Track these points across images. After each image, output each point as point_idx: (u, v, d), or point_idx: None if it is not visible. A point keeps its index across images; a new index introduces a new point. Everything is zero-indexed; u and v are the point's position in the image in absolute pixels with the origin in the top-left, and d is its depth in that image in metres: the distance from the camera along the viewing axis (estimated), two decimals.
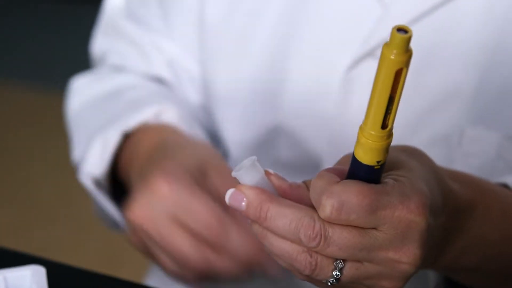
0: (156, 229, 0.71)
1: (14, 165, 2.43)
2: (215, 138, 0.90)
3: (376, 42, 0.78)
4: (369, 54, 0.78)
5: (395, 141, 0.79)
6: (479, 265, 0.65)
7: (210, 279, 0.73)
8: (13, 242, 2.04)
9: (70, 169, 1.08)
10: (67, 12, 3.18)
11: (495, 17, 0.76)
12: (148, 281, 1.05)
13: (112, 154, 0.83)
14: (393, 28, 0.51)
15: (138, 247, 0.75)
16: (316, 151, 0.82)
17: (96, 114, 0.88)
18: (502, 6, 0.76)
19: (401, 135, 0.79)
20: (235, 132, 0.86)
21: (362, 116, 0.79)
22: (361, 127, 0.54)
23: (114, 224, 0.87)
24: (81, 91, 0.93)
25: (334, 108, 0.80)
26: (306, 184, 0.58)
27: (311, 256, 0.55)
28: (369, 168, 0.54)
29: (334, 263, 0.55)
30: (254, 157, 0.56)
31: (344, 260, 0.55)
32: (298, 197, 0.57)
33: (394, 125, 0.78)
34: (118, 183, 0.86)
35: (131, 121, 0.82)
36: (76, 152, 0.88)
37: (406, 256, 0.55)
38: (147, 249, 0.74)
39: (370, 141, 0.53)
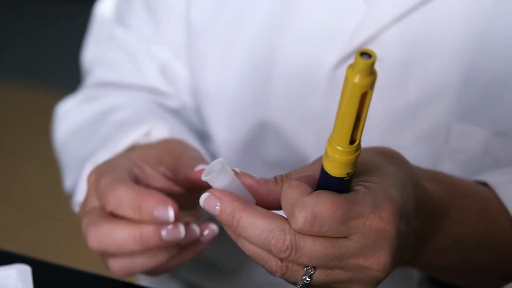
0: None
1: (5, 164, 2.43)
2: (206, 140, 0.90)
3: (361, 40, 0.78)
4: (355, 52, 0.78)
5: (382, 138, 0.79)
6: (458, 264, 0.66)
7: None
8: (2, 241, 2.04)
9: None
10: (64, 10, 3.18)
11: (480, 13, 0.76)
12: (142, 279, 1.05)
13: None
14: (356, 53, 0.51)
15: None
16: (303, 149, 0.82)
17: (84, 140, 0.85)
18: (487, 2, 0.75)
19: (388, 132, 0.79)
20: (224, 132, 0.86)
21: None
22: (329, 141, 0.55)
23: None
24: (67, 117, 0.91)
25: (321, 106, 0.80)
26: (277, 179, 0.58)
27: (281, 262, 0.56)
28: (339, 179, 0.55)
29: (305, 269, 0.56)
30: (221, 159, 0.56)
31: (314, 267, 0.56)
32: (266, 192, 0.57)
33: (381, 122, 0.79)
34: None
35: (121, 144, 0.78)
36: (68, 181, 0.86)
37: (376, 263, 0.56)
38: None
39: (338, 156, 0.54)
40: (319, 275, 0.57)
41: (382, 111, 0.79)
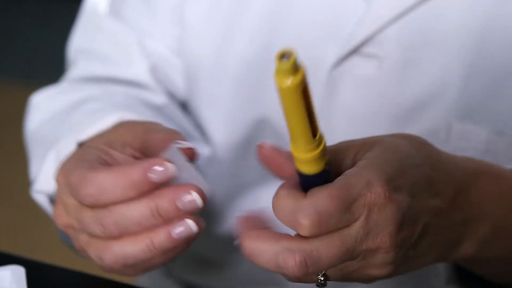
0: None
1: (4, 164, 2.43)
2: (203, 140, 0.89)
3: (360, 38, 0.77)
4: (354, 51, 0.78)
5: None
6: (504, 254, 0.65)
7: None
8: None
9: None
10: (65, 10, 3.17)
11: (480, 11, 0.75)
12: (138, 280, 1.04)
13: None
14: (275, 57, 0.51)
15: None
16: None
17: (53, 129, 0.82)
18: (487, 0, 0.75)
19: (387, 132, 0.78)
20: (220, 131, 0.86)
21: (347, 113, 0.79)
22: (292, 146, 0.54)
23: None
24: (40, 108, 0.88)
25: (320, 105, 0.79)
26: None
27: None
28: (321, 173, 0.54)
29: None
30: (177, 146, 0.56)
31: None
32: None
33: (381, 122, 0.78)
34: None
35: (87, 131, 0.75)
36: (33, 168, 0.81)
37: (383, 242, 0.55)
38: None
39: (309, 155, 0.53)
40: (333, 272, 0.56)
41: (381, 111, 0.78)
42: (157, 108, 0.88)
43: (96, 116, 0.76)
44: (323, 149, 0.54)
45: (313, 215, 0.53)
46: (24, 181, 2.35)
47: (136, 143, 0.68)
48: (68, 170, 0.65)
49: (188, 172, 0.57)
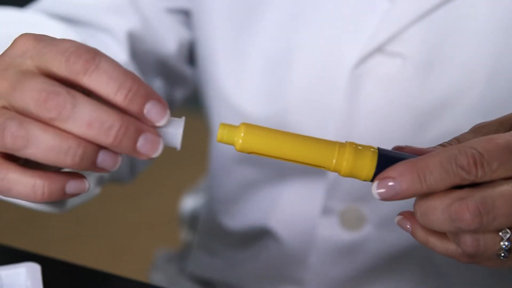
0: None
1: None
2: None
3: (383, 37, 0.76)
4: (377, 50, 0.77)
5: (405, 137, 0.78)
6: None
7: None
8: (11, 238, 2.04)
9: None
10: None
11: (505, 9, 0.75)
12: (153, 277, 1.04)
13: None
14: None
15: None
16: None
17: None
18: None
19: (411, 132, 0.78)
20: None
21: (370, 111, 0.78)
22: (333, 170, 0.53)
23: None
24: None
25: (341, 105, 0.79)
26: (443, 145, 0.55)
27: (472, 236, 0.51)
28: (393, 153, 0.53)
29: (500, 234, 0.52)
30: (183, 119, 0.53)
31: (509, 228, 0.52)
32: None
33: (404, 121, 0.78)
34: None
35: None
36: None
37: None
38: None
39: (344, 163, 0.53)
40: None
41: (405, 111, 0.77)
42: None
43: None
44: (349, 148, 0.53)
45: (476, 151, 0.50)
46: None
47: None
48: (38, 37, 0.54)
49: None
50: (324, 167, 0.53)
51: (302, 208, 0.85)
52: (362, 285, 0.86)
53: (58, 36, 0.78)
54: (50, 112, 0.49)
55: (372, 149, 0.53)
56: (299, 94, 0.81)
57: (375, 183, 0.52)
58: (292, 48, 0.80)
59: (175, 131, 0.52)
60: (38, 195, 0.51)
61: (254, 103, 0.83)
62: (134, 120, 0.50)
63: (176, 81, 0.93)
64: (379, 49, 0.77)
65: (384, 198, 0.51)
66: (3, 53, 0.53)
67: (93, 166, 0.51)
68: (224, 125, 0.53)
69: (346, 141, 0.53)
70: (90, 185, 0.53)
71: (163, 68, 0.90)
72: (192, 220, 1.07)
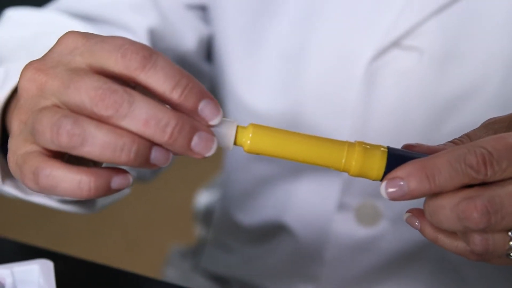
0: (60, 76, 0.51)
1: None
2: None
3: (401, 31, 0.76)
4: (393, 44, 0.76)
5: (421, 131, 0.78)
6: None
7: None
8: (24, 235, 2.04)
9: None
10: None
11: None
12: (167, 272, 1.04)
13: (10, 91, 0.64)
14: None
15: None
16: None
17: (12, 48, 0.75)
18: None
19: (427, 125, 0.78)
20: (253, 119, 0.84)
21: (386, 106, 0.78)
22: (343, 170, 0.53)
23: None
24: (10, 23, 0.81)
25: (357, 100, 0.78)
26: (455, 142, 0.55)
27: (481, 235, 0.51)
28: (403, 152, 0.53)
29: (509, 233, 0.51)
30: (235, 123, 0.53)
31: None
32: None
33: (421, 115, 0.77)
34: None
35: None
36: None
37: None
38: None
39: (353, 163, 0.52)
40: None
41: (421, 105, 0.77)
42: None
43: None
44: (359, 148, 0.52)
45: (485, 150, 0.49)
46: None
47: None
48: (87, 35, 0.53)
49: None
50: (333, 167, 0.52)
51: (318, 203, 0.84)
52: (377, 281, 0.86)
53: None
54: (108, 110, 0.48)
55: (381, 149, 0.53)
56: (314, 89, 0.80)
57: (384, 183, 0.51)
58: (307, 44, 0.80)
59: (227, 132, 0.52)
60: (84, 192, 0.50)
61: (267, 99, 0.83)
62: (189, 119, 0.50)
63: (194, 77, 0.93)
64: (395, 43, 0.76)
65: (393, 198, 0.51)
66: (49, 51, 0.52)
67: (146, 163, 0.50)
68: None
69: (355, 141, 0.53)
70: (132, 179, 0.53)
71: (181, 65, 0.90)
72: (207, 216, 1.06)
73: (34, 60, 0.52)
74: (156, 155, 0.50)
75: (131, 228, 2.17)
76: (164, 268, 1.06)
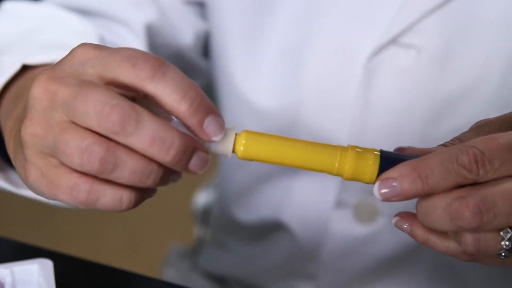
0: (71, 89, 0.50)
1: None
2: None
3: (399, 28, 0.76)
4: (392, 42, 0.77)
5: (420, 129, 0.78)
6: None
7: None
8: (24, 234, 2.04)
9: None
10: None
11: None
12: (165, 273, 1.04)
13: (2, 85, 0.66)
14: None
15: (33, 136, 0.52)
16: (336, 139, 0.80)
17: (8, 42, 0.74)
18: None
19: (426, 123, 0.78)
20: (254, 125, 0.84)
21: (384, 104, 0.78)
22: (336, 174, 0.53)
23: None
24: (8, 15, 0.80)
25: (356, 97, 0.78)
26: (445, 144, 0.54)
27: (473, 235, 0.51)
28: (394, 154, 0.53)
29: (501, 233, 0.51)
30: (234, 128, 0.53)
31: (510, 227, 0.51)
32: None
33: (419, 113, 0.77)
34: None
35: (38, 57, 0.67)
36: None
37: None
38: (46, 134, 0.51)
39: (346, 167, 0.52)
40: None
41: (419, 103, 0.77)
42: None
43: (53, 45, 0.71)
44: (352, 152, 0.52)
45: (476, 150, 0.50)
46: None
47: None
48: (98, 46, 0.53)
49: None
50: (327, 172, 0.53)
51: (315, 201, 0.84)
52: (375, 279, 0.86)
53: (74, 28, 0.77)
54: (114, 127, 0.48)
55: (374, 152, 0.53)
56: (313, 86, 0.80)
57: (377, 184, 0.51)
58: (306, 40, 0.80)
59: (226, 139, 0.52)
60: (124, 206, 0.51)
61: (266, 96, 0.83)
62: (191, 139, 0.50)
63: (191, 73, 0.93)
64: (394, 41, 0.76)
65: (386, 198, 0.51)
66: (61, 62, 0.52)
67: (165, 184, 0.52)
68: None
69: (348, 145, 0.53)
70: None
71: (178, 61, 0.90)
72: (205, 216, 1.06)
73: (46, 69, 0.52)
74: (172, 177, 0.52)
75: (130, 228, 2.17)
76: (163, 268, 1.06)
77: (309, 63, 0.80)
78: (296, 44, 0.80)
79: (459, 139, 0.54)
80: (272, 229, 0.89)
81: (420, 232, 0.53)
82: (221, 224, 0.97)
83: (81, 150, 0.49)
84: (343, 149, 0.53)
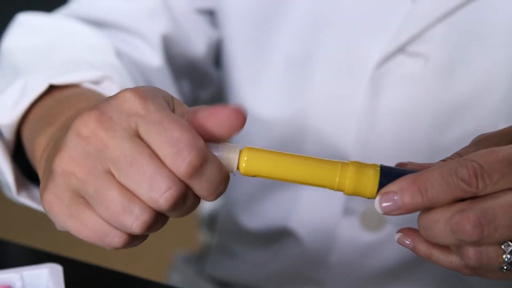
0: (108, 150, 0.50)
1: None
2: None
3: (406, 37, 0.76)
4: (399, 50, 0.77)
5: (426, 137, 0.78)
6: None
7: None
8: (33, 239, 2.04)
9: None
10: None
11: None
12: (171, 278, 1.04)
13: (29, 104, 0.66)
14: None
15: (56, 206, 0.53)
16: (343, 149, 0.80)
17: (30, 57, 0.75)
18: None
19: (432, 132, 0.78)
20: (261, 134, 0.85)
21: (391, 112, 0.78)
22: (336, 189, 0.53)
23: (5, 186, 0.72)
24: (24, 29, 0.80)
25: (363, 105, 0.78)
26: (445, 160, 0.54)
27: (474, 248, 0.51)
28: (395, 170, 0.53)
29: (502, 246, 0.51)
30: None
31: (511, 240, 0.51)
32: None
33: (426, 121, 0.77)
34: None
35: (65, 77, 0.67)
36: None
37: None
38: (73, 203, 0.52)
39: (347, 183, 0.52)
40: None
41: (426, 111, 0.77)
42: (151, 70, 0.84)
43: (79, 64, 0.71)
44: (352, 167, 0.53)
45: (476, 164, 0.50)
46: None
47: None
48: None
49: None
50: (327, 187, 0.53)
51: (323, 208, 0.84)
52: (382, 286, 0.86)
53: (91, 42, 0.77)
54: (166, 206, 0.49)
55: (374, 167, 0.53)
56: (320, 95, 0.80)
57: (378, 198, 0.52)
58: (313, 50, 0.80)
59: (230, 156, 0.52)
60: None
61: (273, 105, 0.83)
62: None
63: (203, 82, 0.93)
64: (401, 50, 0.77)
65: (387, 212, 0.51)
66: (107, 105, 0.51)
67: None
68: None
69: (349, 160, 0.53)
70: None
71: (191, 70, 0.90)
72: (211, 221, 1.06)
73: (91, 108, 0.51)
74: None
75: None
76: (168, 273, 1.06)
77: (316, 72, 0.80)
78: (303, 53, 0.80)
79: (459, 154, 0.54)
80: (279, 236, 0.89)
81: (423, 247, 0.54)
82: (228, 230, 0.97)
83: (126, 211, 0.49)
84: (344, 164, 0.53)
